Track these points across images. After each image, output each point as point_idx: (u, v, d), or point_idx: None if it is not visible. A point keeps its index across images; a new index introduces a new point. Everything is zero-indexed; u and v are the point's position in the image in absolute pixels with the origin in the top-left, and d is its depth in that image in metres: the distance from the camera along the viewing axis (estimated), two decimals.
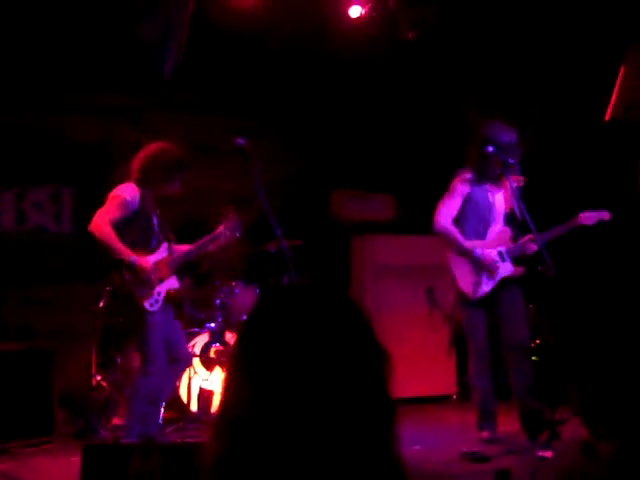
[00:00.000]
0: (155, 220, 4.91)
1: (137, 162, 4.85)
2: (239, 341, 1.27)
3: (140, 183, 4.82)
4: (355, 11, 6.51)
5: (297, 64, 7.18)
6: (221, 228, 5.01)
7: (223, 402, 1.24)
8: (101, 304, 5.80)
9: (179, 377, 5.40)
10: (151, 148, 4.86)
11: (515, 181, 5.15)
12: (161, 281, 4.83)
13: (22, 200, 6.82)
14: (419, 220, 5.82)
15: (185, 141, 5.05)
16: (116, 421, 5.68)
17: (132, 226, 4.76)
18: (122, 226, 4.70)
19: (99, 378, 6.02)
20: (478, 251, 5.16)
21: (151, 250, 4.86)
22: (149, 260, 4.77)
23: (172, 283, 4.95)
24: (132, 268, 4.67)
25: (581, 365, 1.28)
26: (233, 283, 6.31)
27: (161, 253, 4.92)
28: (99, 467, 4.02)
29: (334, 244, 7.49)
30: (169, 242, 5.00)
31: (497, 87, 6.78)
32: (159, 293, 4.80)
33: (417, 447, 5.19)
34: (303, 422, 1.19)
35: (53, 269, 6.71)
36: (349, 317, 1.29)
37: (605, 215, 5.26)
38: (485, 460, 4.73)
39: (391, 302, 7.03)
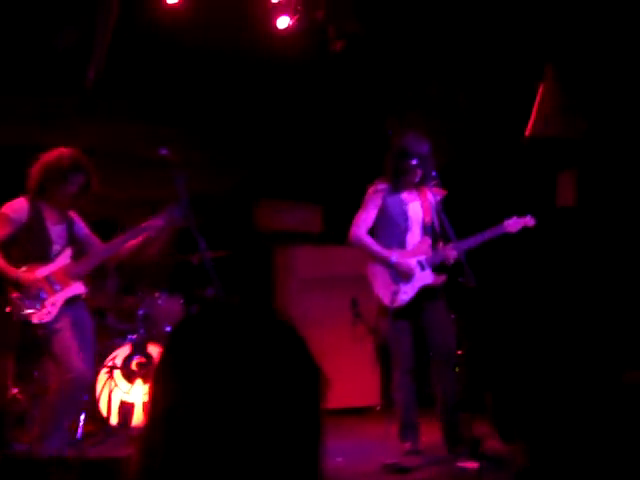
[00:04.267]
0: (54, 230, 4.86)
1: (30, 174, 4.81)
2: (165, 355, 1.24)
3: (34, 194, 4.80)
4: (283, 22, 6.51)
5: (225, 72, 7.14)
6: (146, 223, 4.93)
7: (149, 415, 1.21)
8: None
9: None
10: (41, 158, 4.82)
11: (435, 194, 5.22)
12: (56, 290, 4.76)
13: None
14: (347, 230, 5.85)
15: (109, 149, 4.97)
16: (33, 434, 5.54)
17: (24, 239, 4.74)
18: (12, 241, 4.71)
19: (15, 391, 5.87)
20: (394, 258, 5.18)
21: (49, 259, 4.81)
22: (39, 272, 4.72)
23: (75, 289, 4.87)
24: (19, 284, 4.63)
25: (494, 373, 1.30)
26: (156, 294, 6.23)
27: (61, 261, 4.86)
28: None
29: (258, 255, 7.47)
30: (78, 248, 4.94)
31: (419, 99, 6.86)
32: (53, 304, 4.73)
33: (339, 459, 5.20)
34: (229, 439, 1.17)
35: None
36: (280, 334, 1.27)
37: (529, 221, 5.35)
38: (406, 471, 4.75)
39: (315, 313, 7.03)
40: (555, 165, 6.61)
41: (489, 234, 5.26)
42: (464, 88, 6.74)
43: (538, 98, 6.26)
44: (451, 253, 5.16)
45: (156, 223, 4.92)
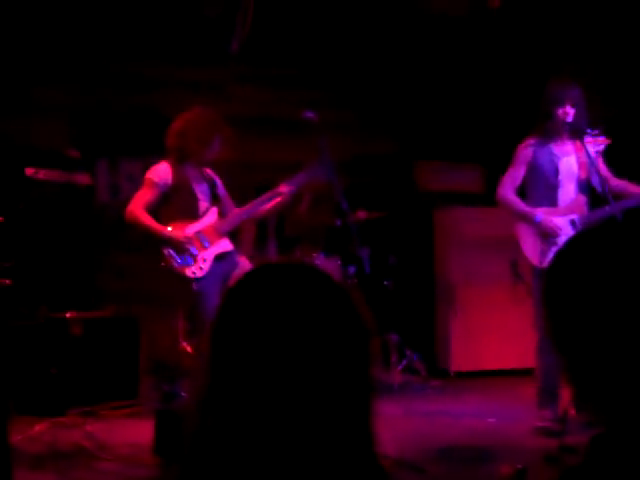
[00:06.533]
0: (200, 188, 5.03)
1: (168, 139, 4.97)
2: (219, 312, 1.30)
3: (175, 159, 4.95)
4: None
5: (383, 31, 7.13)
6: (280, 187, 5.01)
7: (198, 374, 1.28)
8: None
9: None
10: (177, 122, 4.97)
11: (595, 144, 4.96)
12: (206, 247, 4.94)
13: (116, 172, 7.10)
14: None
15: (255, 113, 5.06)
16: None
17: (172, 200, 4.92)
18: (160, 203, 4.90)
19: (185, 345, 6.21)
20: (539, 217, 5.01)
21: (197, 217, 4.98)
22: (188, 230, 4.89)
23: (223, 246, 5.03)
24: (170, 242, 4.82)
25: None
26: (314, 255, 6.38)
27: (209, 219, 5.02)
28: (171, 430, 4.20)
29: (418, 216, 7.47)
30: (220, 206, 5.10)
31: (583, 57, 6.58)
32: (204, 260, 4.91)
33: (492, 420, 5.19)
34: (279, 400, 1.21)
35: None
36: (332, 295, 1.30)
37: None
38: (557, 435, 4.65)
39: (475, 275, 6.99)
40: None
41: None
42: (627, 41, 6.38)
43: None
44: (606, 212, 4.91)
45: (296, 182, 4.99)
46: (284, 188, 4.99)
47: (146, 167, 6.95)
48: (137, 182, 6.98)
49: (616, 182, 5.05)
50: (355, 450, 1.25)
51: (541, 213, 5.03)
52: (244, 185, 5.31)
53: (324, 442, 1.22)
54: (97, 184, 6.99)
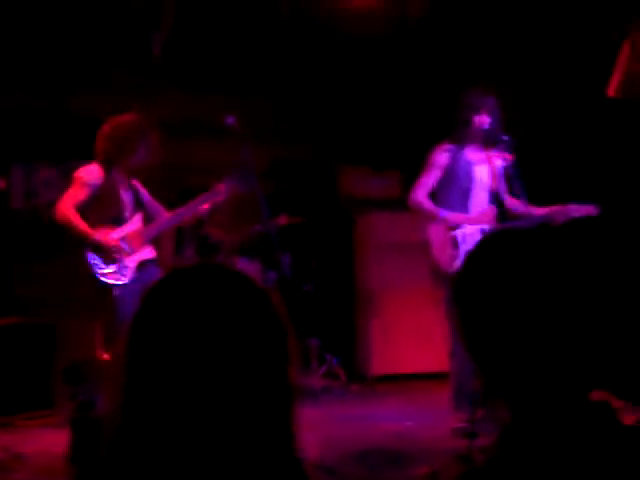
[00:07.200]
0: (125, 194, 5.01)
1: (97, 141, 4.96)
2: (135, 317, 1.29)
3: (103, 162, 4.93)
4: None
5: (301, 37, 7.16)
6: (218, 186, 5.05)
7: (115, 375, 1.27)
8: None
9: None
10: (106, 126, 4.96)
11: (505, 159, 5.08)
12: (129, 253, 4.91)
13: (32, 177, 6.96)
14: None
15: (177, 118, 5.07)
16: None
17: (97, 204, 4.88)
18: (87, 206, 4.84)
19: (103, 352, 6.12)
20: (442, 213, 5.08)
21: (121, 223, 4.96)
22: (112, 235, 4.87)
23: (145, 254, 5.02)
24: (98, 247, 4.78)
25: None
26: (235, 259, 6.37)
27: (133, 225, 5.01)
28: (87, 439, 4.12)
29: (338, 221, 7.52)
30: (145, 212, 5.09)
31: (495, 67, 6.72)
32: (127, 266, 4.89)
33: (409, 423, 5.26)
34: (198, 402, 1.20)
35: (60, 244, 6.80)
36: (248, 296, 1.30)
37: (593, 210, 4.94)
38: (475, 437, 4.74)
39: (394, 279, 7.07)
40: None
41: (553, 214, 4.96)
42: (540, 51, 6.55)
43: (623, 56, 6.03)
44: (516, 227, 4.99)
45: (219, 191, 5.01)
46: (214, 192, 5.00)
47: (62, 173, 6.89)
48: (53, 187, 6.91)
49: (513, 202, 5.15)
50: (276, 452, 1.25)
51: (446, 212, 5.10)
52: (167, 188, 5.27)
53: (245, 445, 1.22)
54: (11, 189, 6.84)
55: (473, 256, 1.43)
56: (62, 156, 6.82)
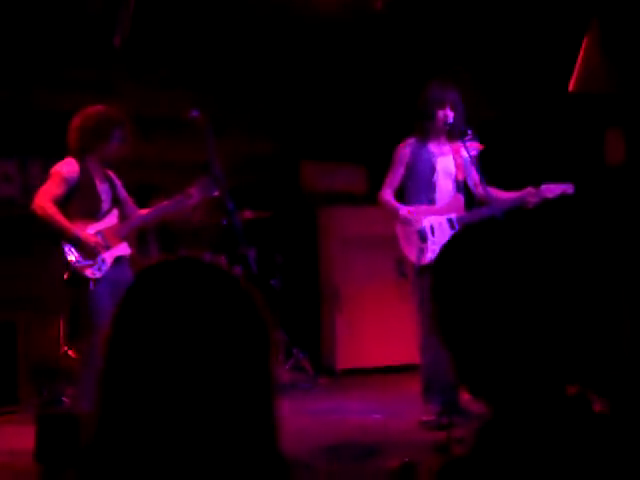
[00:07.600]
0: (102, 188, 4.99)
1: (70, 134, 4.92)
2: (118, 314, 1.28)
3: (77, 154, 4.89)
4: None
5: (265, 32, 7.14)
6: (190, 190, 5.03)
7: (102, 377, 1.26)
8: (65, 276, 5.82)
9: None
10: (77, 117, 4.91)
11: (471, 149, 5.10)
12: (107, 248, 4.88)
13: None
14: None
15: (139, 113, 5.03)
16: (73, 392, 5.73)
17: (74, 198, 4.84)
18: (65, 200, 4.80)
19: (66, 349, 6.09)
20: (401, 211, 5.11)
21: (98, 218, 4.93)
22: (90, 229, 4.85)
23: (121, 250, 5.00)
24: (75, 241, 4.73)
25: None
26: (200, 254, 6.33)
27: (110, 220, 4.99)
28: (53, 436, 4.08)
29: (302, 216, 7.52)
30: (121, 209, 5.06)
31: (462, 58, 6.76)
32: (103, 260, 4.85)
33: (377, 416, 5.28)
34: (181, 397, 1.20)
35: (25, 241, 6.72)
36: (228, 291, 1.30)
37: (569, 188, 5.07)
38: (443, 429, 4.77)
39: (359, 274, 7.09)
40: (602, 122, 6.43)
41: (525, 197, 5.04)
42: (506, 44, 6.60)
43: (582, 52, 6.11)
44: (485, 213, 5.06)
45: (191, 194, 5.00)
46: (187, 195, 4.98)
47: (21, 167, 6.81)
48: (12, 182, 6.82)
49: (483, 190, 5.18)
50: (258, 446, 1.25)
51: (405, 208, 5.13)
52: (128, 184, 5.23)
53: (229, 439, 1.21)
54: None
55: (449, 249, 1.44)
56: (22, 150, 6.74)
